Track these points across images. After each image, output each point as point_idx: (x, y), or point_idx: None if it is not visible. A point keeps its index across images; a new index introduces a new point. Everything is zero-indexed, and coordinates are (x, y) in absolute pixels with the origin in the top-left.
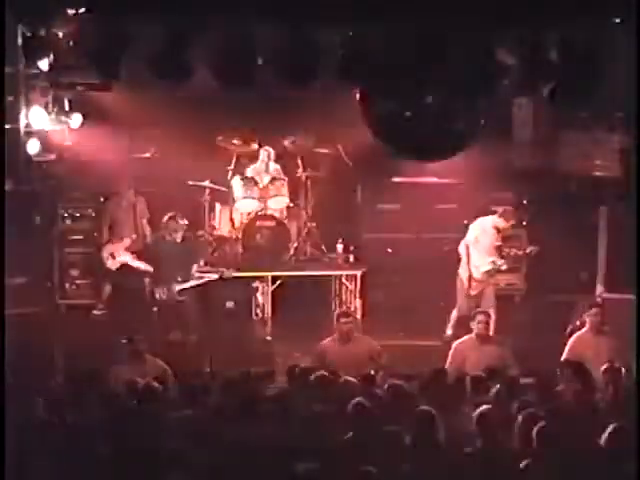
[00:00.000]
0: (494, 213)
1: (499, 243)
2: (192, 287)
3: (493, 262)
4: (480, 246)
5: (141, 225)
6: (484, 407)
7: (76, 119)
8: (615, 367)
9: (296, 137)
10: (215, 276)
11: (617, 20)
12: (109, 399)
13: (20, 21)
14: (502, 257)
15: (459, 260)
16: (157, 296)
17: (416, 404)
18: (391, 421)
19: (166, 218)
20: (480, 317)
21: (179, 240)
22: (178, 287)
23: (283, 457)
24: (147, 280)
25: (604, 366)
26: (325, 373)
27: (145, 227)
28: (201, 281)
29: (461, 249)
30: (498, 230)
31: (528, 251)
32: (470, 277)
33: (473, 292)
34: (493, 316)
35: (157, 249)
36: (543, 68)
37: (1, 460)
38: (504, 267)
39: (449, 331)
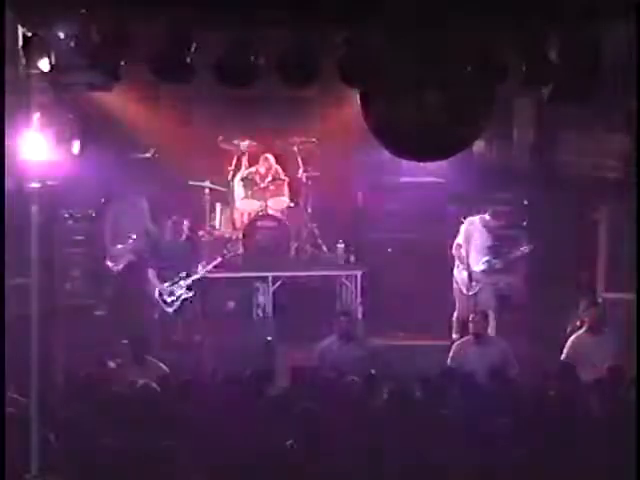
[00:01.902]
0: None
1: (491, 243)
2: (199, 279)
3: (487, 261)
4: (473, 246)
5: (143, 225)
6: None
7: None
8: (618, 366)
9: (296, 138)
10: (219, 259)
11: (618, 19)
12: (109, 400)
13: (20, 21)
14: (496, 256)
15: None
16: (165, 298)
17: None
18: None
19: (170, 222)
20: (475, 317)
21: (182, 240)
22: (184, 282)
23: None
24: (149, 279)
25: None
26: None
27: (149, 226)
28: (208, 268)
29: (454, 250)
30: (489, 229)
31: (523, 250)
32: (467, 277)
33: (470, 292)
34: (493, 315)
35: (161, 250)
36: (543, 68)
37: (1, 458)
38: (498, 266)
39: (455, 335)
